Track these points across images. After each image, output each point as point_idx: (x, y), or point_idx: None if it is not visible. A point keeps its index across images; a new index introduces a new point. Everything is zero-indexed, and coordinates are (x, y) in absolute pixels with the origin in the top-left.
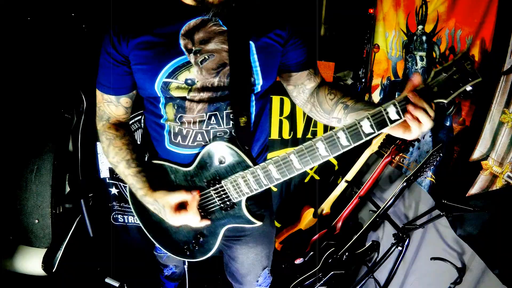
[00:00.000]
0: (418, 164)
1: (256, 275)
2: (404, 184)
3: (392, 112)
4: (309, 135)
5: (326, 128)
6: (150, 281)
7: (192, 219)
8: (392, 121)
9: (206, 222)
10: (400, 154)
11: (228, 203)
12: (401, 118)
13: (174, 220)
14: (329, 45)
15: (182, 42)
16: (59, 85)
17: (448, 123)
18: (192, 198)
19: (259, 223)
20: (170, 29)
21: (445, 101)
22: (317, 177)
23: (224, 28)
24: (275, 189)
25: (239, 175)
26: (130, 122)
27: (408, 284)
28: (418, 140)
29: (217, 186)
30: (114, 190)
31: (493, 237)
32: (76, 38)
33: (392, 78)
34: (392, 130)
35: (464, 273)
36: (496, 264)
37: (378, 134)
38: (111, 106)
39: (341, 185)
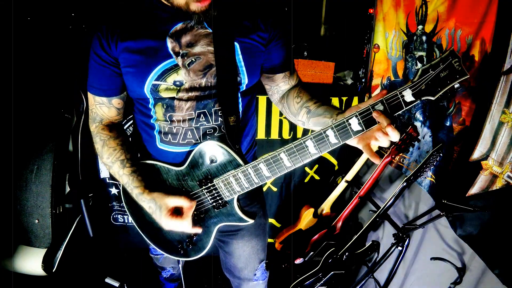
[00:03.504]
0: (418, 164)
1: (253, 269)
2: (404, 184)
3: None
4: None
5: None
6: (150, 281)
7: (184, 227)
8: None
9: (198, 230)
10: (400, 154)
11: (220, 201)
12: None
13: (167, 223)
14: (329, 45)
15: (169, 45)
16: (59, 85)
17: (448, 123)
18: (189, 206)
19: (251, 221)
20: (158, 33)
21: (433, 98)
22: (317, 177)
23: (209, 30)
24: (275, 189)
25: (230, 174)
26: (125, 127)
27: (408, 284)
28: (418, 140)
29: (209, 185)
30: (114, 190)
31: (493, 237)
32: (76, 38)
33: (392, 78)
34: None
35: (464, 273)
36: (496, 264)
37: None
38: (103, 108)
39: (341, 185)
